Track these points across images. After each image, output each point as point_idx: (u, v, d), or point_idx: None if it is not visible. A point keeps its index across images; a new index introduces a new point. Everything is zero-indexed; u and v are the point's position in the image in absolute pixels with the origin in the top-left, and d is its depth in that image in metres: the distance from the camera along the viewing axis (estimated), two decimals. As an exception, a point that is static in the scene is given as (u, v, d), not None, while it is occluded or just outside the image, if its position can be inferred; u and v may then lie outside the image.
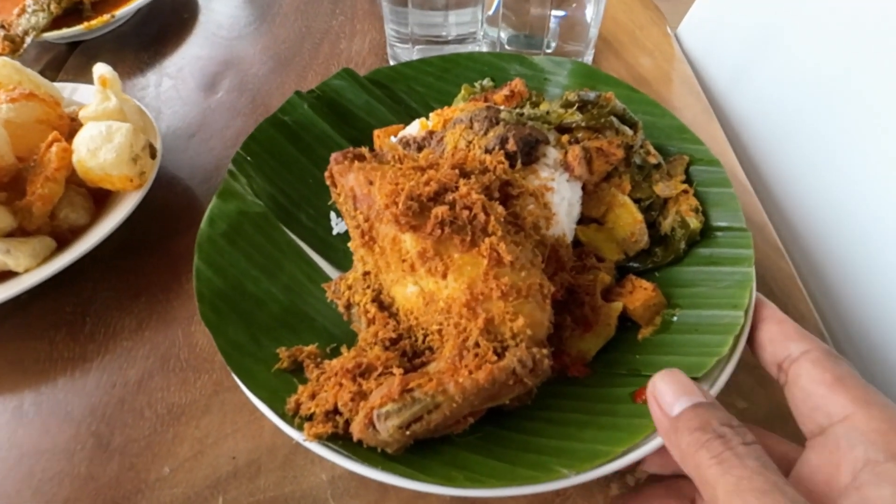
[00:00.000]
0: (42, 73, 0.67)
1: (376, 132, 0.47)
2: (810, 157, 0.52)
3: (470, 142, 0.38)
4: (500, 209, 0.31)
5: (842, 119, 0.48)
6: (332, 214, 0.44)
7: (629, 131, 0.40)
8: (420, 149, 0.38)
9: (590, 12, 0.58)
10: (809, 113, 0.52)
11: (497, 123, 0.38)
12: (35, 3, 0.67)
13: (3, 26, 0.65)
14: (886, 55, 0.44)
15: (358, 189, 0.31)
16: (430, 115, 0.43)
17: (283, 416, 0.30)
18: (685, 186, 0.40)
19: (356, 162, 0.32)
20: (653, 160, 0.41)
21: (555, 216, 0.35)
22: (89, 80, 0.55)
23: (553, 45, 0.61)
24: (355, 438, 0.28)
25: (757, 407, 0.37)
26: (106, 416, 0.38)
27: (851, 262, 0.45)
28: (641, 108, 0.44)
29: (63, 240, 0.44)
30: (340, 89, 0.49)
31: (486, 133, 0.38)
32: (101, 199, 0.48)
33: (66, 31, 0.67)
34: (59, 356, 0.41)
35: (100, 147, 0.42)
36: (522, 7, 0.59)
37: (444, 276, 0.29)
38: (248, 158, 0.43)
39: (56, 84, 0.54)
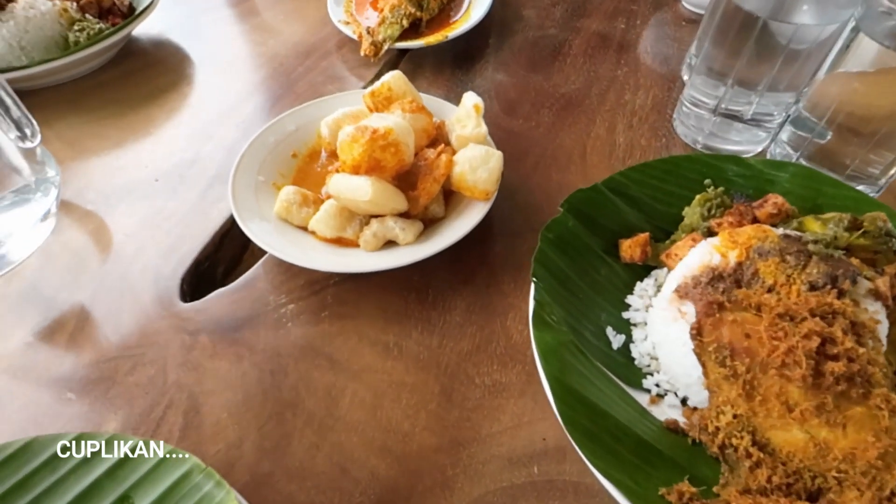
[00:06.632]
0: (379, 72, 0.84)
1: (625, 243, 0.52)
2: None
3: (789, 276, 0.41)
4: (882, 360, 0.35)
5: None
6: (609, 329, 0.47)
7: None
8: (736, 283, 0.42)
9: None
10: None
11: (810, 256, 0.42)
12: (392, 17, 0.83)
13: (370, 33, 0.81)
14: None
15: (737, 343, 0.36)
16: (719, 238, 0.46)
17: None
18: None
19: (724, 313, 0.37)
20: None
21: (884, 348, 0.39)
22: (417, 85, 0.66)
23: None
24: None
25: None
26: (448, 372, 0.50)
27: None
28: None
29: (426, 225, 0.57)
30: (586, 200, 0.52)
31: (803, 268, 0.41)
32: (446, 196, 0.60)
33: (408, 43, 0.82)
34: (411, 314, 0.54)
35: (478, 167, 0.54)
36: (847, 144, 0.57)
37: (844, 428, 0.34)
38: (540, 283, 0.45)
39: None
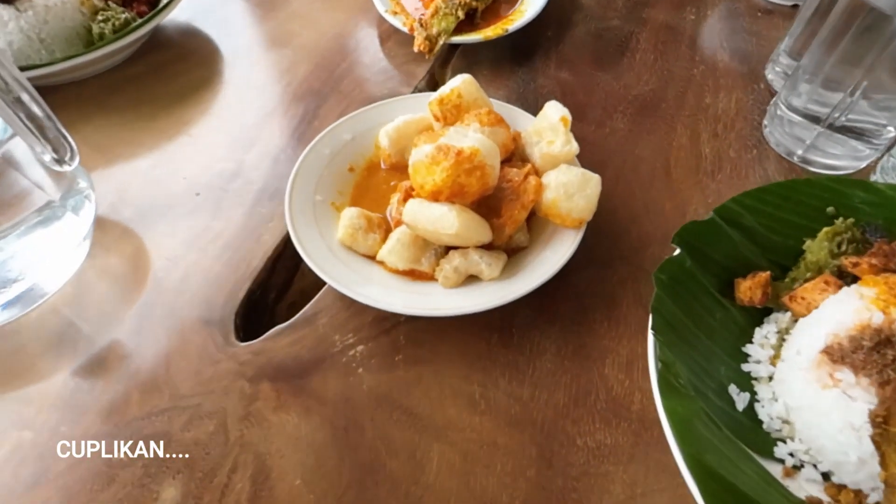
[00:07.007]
0: (430, 69, 0.76)
1: (743, 284, 0.46)
2: None
3: None
4: None
5: None
6: (733, 387, 0.42)
7: None
8: None
9: None
10: None
11: None
12: (446, 7, 0.75)
13: (422, 25, 0.74)
14: None
15: None
16: (874, 288, 0.39)
17: None
18: None
19: None
20: None
21: None
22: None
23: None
24: None
25: None
26: (544, 430, 0.44)
27: None
28: None
29: (508, 255, 0.50)
30: (699, 233, 0.46)
31: None
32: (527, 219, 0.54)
33: (466, 38, 0.75)
34: (496, 359, 0.48)
35: (574, 193, 0.47)
36: None
37: None
38: (660, 337, 0.40)
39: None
